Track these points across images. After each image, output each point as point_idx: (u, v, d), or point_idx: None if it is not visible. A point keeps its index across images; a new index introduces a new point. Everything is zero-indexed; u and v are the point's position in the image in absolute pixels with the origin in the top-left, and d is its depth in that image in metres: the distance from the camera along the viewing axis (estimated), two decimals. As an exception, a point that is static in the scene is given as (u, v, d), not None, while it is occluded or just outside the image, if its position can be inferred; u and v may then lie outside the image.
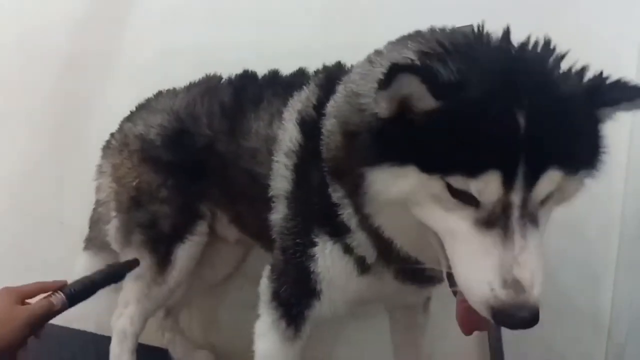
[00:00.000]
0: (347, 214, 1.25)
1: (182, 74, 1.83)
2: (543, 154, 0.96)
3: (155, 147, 1.70)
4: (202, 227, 1.74)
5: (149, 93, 1.86)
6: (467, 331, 1.11)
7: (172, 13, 2.09)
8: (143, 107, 1.82)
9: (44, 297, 1.34)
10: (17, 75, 2.36)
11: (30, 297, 1.33)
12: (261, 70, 1.73)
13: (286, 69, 1.69)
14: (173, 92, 1.80)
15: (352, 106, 1.16)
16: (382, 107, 1.02)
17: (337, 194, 1.25)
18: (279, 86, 1.58)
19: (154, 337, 2.07)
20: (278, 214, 1.43)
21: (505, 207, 0.96)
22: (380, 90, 0.99)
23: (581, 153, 1.04)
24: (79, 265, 1.86)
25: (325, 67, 1.52)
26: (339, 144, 1.20)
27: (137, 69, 2.13)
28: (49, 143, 2.26)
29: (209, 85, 1.75)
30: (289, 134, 1.41)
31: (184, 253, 1.71)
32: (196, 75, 1.82)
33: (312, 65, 1.59)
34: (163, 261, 1.70)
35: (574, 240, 1.86)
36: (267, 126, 1.51)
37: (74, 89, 2.22)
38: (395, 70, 0.94)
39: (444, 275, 1.09)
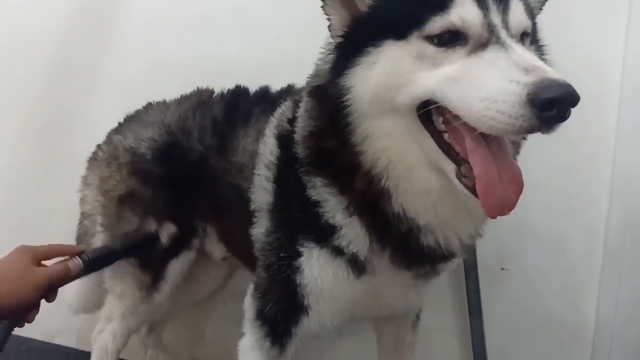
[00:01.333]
0: (331, 207, 1.24)
1: (169, 86, 1.83)
2: None
3: (146, 160, 1.68)
4: (194, 242, 1.72)
5: (136, 105, 1.85)
6: (496, 207, 1.02)
7: (160, 25, 2.10)
8: (132, 119, 1.81)
9: (61, 261, 1.33)
10: (2, 85, 2.34)
11: (47, 258, 1.32)
12: (248, 82, 1.74)
13: (274, 82, 1.70)
14: (164, 105, 1.79)
15: (312, 75, 1.25)
16: (333, 17, 1.14)
17: (316, 190, 1.25)
18: (268, 103, 1.59)
19: (135, 354, 2.04)
20: (260, 228, 1.42)
21: (491, 30, 1.00)
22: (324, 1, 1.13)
23: (529, 8, 1.13)
24: (71, 288, 1.78)
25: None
26: (312, 112, 1.24)
27: (124, 80, 2.13)
28: (34, 151, 2.24)
29: (201, 99, 1.75)
30: (268, 147, 1.42)
31: (177, 268, 1.70)
32: (184, 87, 1.82)
33: (302, 79, 1.59)
34: (155, 277, 1.68)
35: (558, 254, 1.90)
36: (254, 142, 1.52)
37: (59, 99, 2.21)
38: None
39: (453, 175, 1.06)
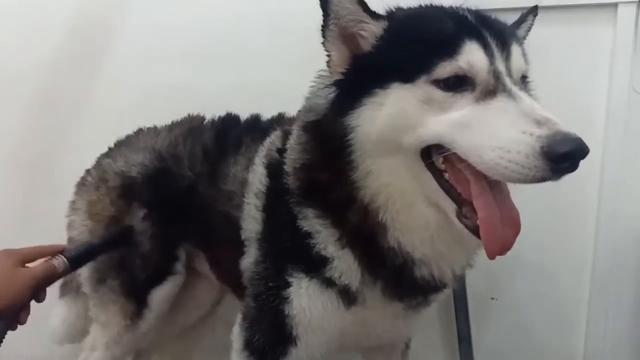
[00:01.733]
0: (323, 239, 1.23)
1: (159, 115, 1.82)
2: (499, 32, 1.08)
3: (136, 184, 1.67)
4: (180, 270, 1.69)
5: (125, 131, 1.83)
6: (496, 249, 1.04)
7: (150, 54, 2.09)
8: (123, 144, 1.79)
9: (45, 260, 1.30)
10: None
11: (30, 260, 1.29)
12: (239, 111, 1.75)
13: (265, 111, 1.70)
14: (154, 131, 1.78)
15: (307, 109, 1.25)
16: (333, 54, 1.14)
17: (308, 221, 1.24)
18: (258, 132, 1.59)
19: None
20: (249, 258, 1.40)
21: (497, 77, 1.03)
22: (324, 33, 1.13)
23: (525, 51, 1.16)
24: (56, 316, 1.78)
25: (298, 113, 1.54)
26: (305, 145, 1.23)
27: (114, 109, 2.11)
28: (21, 179, 2.20)
29: (192, 126, 1.74)
30: (258, 176, 1.42)
31: (161, 296, 1.66)
32: (173, 116, 1.81)
33: (292, 107, 1.60)
34: (139, 305, 1.64)
35: (547, 285, 1.91)
36: (244, 170, 1.51)
37: (48, 127, 2.18)
38: None
39: (454, 215, 1.08)
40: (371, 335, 1.42)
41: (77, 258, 1.40)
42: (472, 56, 1.02)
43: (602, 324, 1.86)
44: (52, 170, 2.16)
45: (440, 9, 1.18)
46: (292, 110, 1.59)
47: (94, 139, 2.01)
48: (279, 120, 1.63)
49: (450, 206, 1.09)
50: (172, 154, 1.67)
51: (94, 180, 1.73)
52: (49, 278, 1.30)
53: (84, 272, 1.68)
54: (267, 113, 1.72)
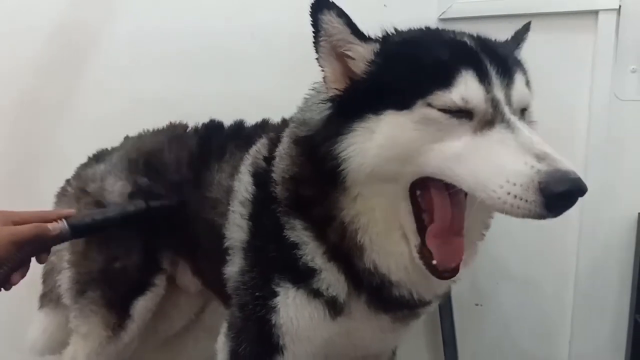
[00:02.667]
0: (310, 250, 1.22)
1: (145, 125, 1.81)
2: (501, 59, 1.05)
3: (117, 194, 1.63)
4: (161, 279, 1.68)
5: (109, 138, 1.82)
6: (446, 264, 1.09)
7: (136, 63, 2.06)
8: (104, 154, 1.77)
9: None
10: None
11: (24, 222, 1.27)
12: (226, 118, 1.73)
13: (252, 117, 1.69)
14: (137, 139, 1.76)
15: (300, 122, 1.23)
16: (327, 70, 1.12)
17: (295, 232, 1.23)
18: (241, 139, 1.57)
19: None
20: (234, 267, 1.38)
21: (495, 106, 1.00)
22: (316, 49, 1.12)
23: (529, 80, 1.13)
24: (36, 327, 1.75)
25: (283, 120, 1.52)
26: (295, 159, 1.22)
27: (98, 118, 2.07)
28: (4, 184, 2.15)
29: (175, 133, 1.73)
30: (243, 184, 1.40)
31: (143, 306, 1.64)
32: (159, 121, 1.79)
33: (279, 113, 1.59)
34: (121, 316, 1.62)
35: (531, 291, 1.92)
36: (228, 178, 1.49)
37: (30, 136, 2.14)
38: (315, 10, 1.08)
39: (415, 249, 1.11)
40: (358, 346, 1.42)
41: (80, 226, 1.39)
42: (466, 88, 0.99)
43: (586, 330, 1.87)
44: (34, 177, 2.12)
45: (437, 33, 1.16)
46: (278, 117, 1.59)
47: (77, 145, 1.99)
48: (263, 127, 1.61)
49: (414, 239, 1.12)
50: (155, 164, 1.64)
51: (75, 191, 1.71)
52: (38, 238, 1.27)
53: (64, 284, 1.66)
54: (254, 120, 1.70)
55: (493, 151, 0.97)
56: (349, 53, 1.11)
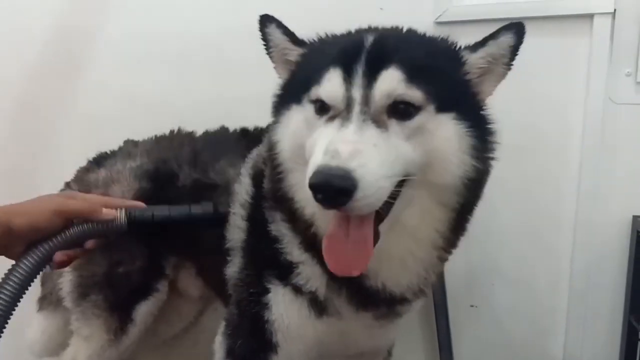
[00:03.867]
0: (288, 242, 1.27)
1: (141, 125, 1.81)
2: (383, 56, 1.08)
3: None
4: (164, 284, 1.69)
5: (106, 140, 1.81)
6: (337, 267, 1.08)
7: (132, 62, 2.07)
8: (106, 159, 1.76)
9: None
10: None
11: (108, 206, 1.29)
12: (222, 120, 1.75)
13: (249, 120, 1.71)
14: (140, 144, 1.76)
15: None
16: (282, 76, 1.28)
17: (276, 225, 1.28)
18: (245, 142, 1.61)
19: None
20: (234, 267, 1.41)
21: (348, 104, 1.05)
22: (270, 59, 1.28)
23: (430, 74, 1.09)
24: (35, 328, 1.77)
25: None
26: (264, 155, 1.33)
27: (94, 119, 2.09)
28: (1, 186, 2.17)
29: (180, 139, 1.74)
30: (244, 187, 1.44)
31: (146, 311, 1.66)
32: (155, 126, 1.79)
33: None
34: (123, 321, 1.63)
35: (526, 292, 1.94)
36: (232, 181, 1.51)
37: (26, 137, 2.15)
38: (261, 25, 1.28)
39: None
40: (350, 345, 1.44)
41: (138, 221, 1.33)
42: (329, 84, 1.08)
43: (580, 331, 1.88)
44: (31, 179, 2.13)
45: (347, 36, 1.23)
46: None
47: (74, 147, 2.01)
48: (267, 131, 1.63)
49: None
50: (162, 170, 1.65)
51: None
52: (86, 215, 1.25)
53: (66, 287, 1.67)
54: (250, 123, 1.72)
55: (316, 143, 1.05)
56: (289, 58, 1.26)
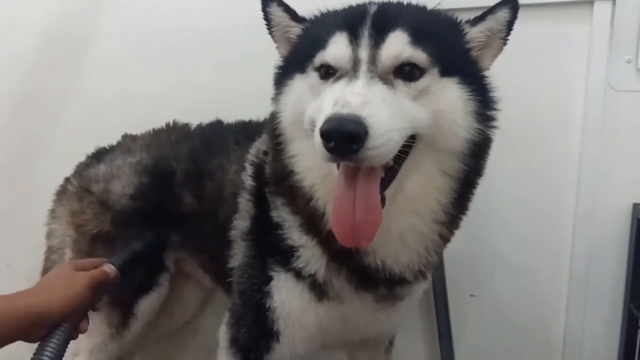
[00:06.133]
0: (289, 227, 1.28)
1: (140, 117, 1.82)
2: (389, 19, 1.11)
3: (122, 195, 1.65)
4: (166, 278, 1.70)
5: (105, 137, 1.82)
6: (345, 232, 1.07)
7: (131, 55, 2.06)
8: (105, 154, 1.76)
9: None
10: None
11: (85, 269, 1.33)
12: (220, 113, 1.75)
13: (248, 112, 1.70)
14: (140, 139, 1.76)
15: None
16: (279, 44, 1.31)
17: (277, 210, 1.30)
18: (245, 134, 1.61)
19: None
20: (238, 256, 1.42)
21: (355, 64, 1.08)
22: (272, 38, 1.32)
23: (433, 39, 1.13)
24: None
25: None
26: (267, 133, 1.34)
27: (93, 111, 2.08)
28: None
29: (178, 132, 1.74)
30: (247, 176, 1.44)
31: (148, 305, 1.67)
32: (154, 118, 1.79)
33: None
34: (125, 315, 1.64)
35: (526, 281, 1.94)
36: (234, 173, 1.52)
37: (25, 131, 2.15)
38: (263, 5, 1.31)
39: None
40: (354, 331, 1.44)
41: (124, 265, 1.43)
42: (334, 47, 1.11)
43: (581, 319, 1.89)
44: (29, 174, 2.13)
45: (349, 7, 1.25)
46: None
47: (72, 142, 2.01)
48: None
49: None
50: (161, 165, 1.66)
51: (76, 189, 1.71)
52: (103, 282, 1.33)
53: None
54: (249, 116, 1.72)
55: (325, 102, 1.06)
56: (290, 35, 1.29)
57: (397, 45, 1.08)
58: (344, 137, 0.95)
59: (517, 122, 1.72)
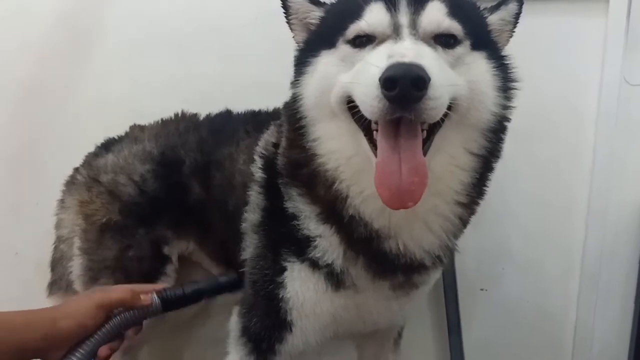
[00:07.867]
0: (305, 217, 1.27)
1: (149, 108, 1.80)
2: None
3: (131, 185, 1.64)
4: (172, 269, 1.69)
5: (114, 127, 1.80)
6: (390, 194, 1.04)
7: (140, 46, 2.04)
8: (114, 144, 1.75)
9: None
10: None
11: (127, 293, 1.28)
12: (230, 103, 1.73)
13: (257, 102, 1.70)
14: (148, 129, 1.75)
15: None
16: (296, 32, 1.30)
17: (293, 201, 1.28)
18: (255, 124, 1.60)
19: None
20: (250, 247, 1.41)
21: (396, 29, 1.10)
22: (289, 27, 1.30)
23: (465, 14, 1.16)
24: None
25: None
26: (282, 125, 1.34)
27: (102, 102, 2.07)
28: (5, 174, 2.18)
29: (187, 123, 1.73)
30: (257, 168, 1.43)
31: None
32: (163, 108, 1.78)
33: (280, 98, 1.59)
34: None
35: (536, 276, 1.94)
36: (243, 163, 1.52)
37: (34, 121, 2.14)
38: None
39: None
40: (367, 320, 1.43)
41: (171, 300, 1.38)
42: (371, 15, 1.12)
43: (591, 315, 1.88)
44: (37, 164, 2.13)
45: None
46: (281, 102, 1.59)
47: (80, 132, 2.00)
48: (277, 114, 1.62)
49: (374, 161, 1.09)
50: (170, 156, 1.65)
51: (85, 179, 1.70)
52: (127, 304, 1.26)
53: (76, 270, 1.67)
54: (256, 106, 1.71)
55: (370, 61, 1.04)
56: (310, 20, 1.28)
57: (437, 13, 1.12)
58: (411, 81, 0.94)
59: (531, 117, 1.71)
